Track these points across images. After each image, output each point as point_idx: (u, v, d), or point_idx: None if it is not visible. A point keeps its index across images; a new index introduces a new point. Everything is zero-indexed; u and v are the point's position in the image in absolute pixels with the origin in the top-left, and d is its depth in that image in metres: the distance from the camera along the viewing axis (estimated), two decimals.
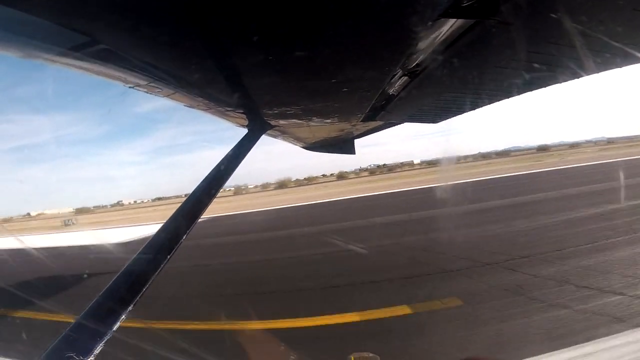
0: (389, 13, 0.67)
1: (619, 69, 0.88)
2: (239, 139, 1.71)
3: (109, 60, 0.74)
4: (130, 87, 0.89)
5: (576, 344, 3.04)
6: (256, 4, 0.58)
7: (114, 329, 0.75)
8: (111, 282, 0.96)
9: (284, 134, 2.48)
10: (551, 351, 3.01)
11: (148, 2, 0.55)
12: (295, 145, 3.05)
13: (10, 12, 0.51)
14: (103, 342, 0.71)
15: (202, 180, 1.50)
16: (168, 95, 1.03)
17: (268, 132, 2.02)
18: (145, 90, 0.93)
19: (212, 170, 1.56)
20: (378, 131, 2.80)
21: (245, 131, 1.74)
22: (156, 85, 0.92)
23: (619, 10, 0.65)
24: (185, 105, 1.21)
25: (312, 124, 1.97)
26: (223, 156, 1.58)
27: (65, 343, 0.70)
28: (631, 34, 0.72)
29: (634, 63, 0.84)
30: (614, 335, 3.11)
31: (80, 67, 0.76)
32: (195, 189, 1.45)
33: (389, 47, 0.86)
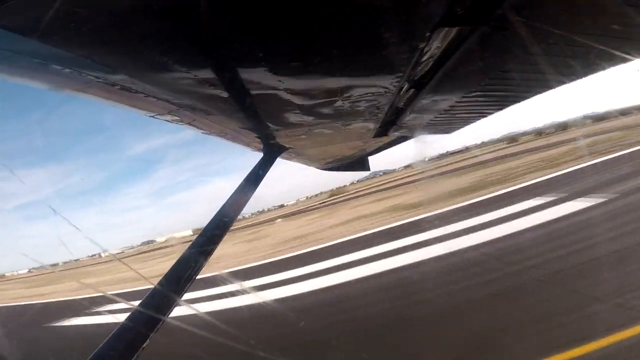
0: (388, 27, 0.71)
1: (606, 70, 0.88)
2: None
3: (128, 90, 0.80)
4: (151, 117, 0.96)
5: None
6: (266, 26, 0.63)
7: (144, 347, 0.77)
8: (130, 313, 1.00)
9: (299, 155, 2.54)
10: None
11: (161, 31, 0.60)
12: (310, 166, 3.10)
13: (28, 42, 0.56)
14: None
15: (221, 205, 1.55)
16: (189, 123, 1.10)
17: (283, 154, 2.08)
18: (166, 119, 1.00)
19: (233, 193, 1.61)
20: (391, 146, 2.81)
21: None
22: (176, 114, 0.99)
23: (602, 15, 0.66)
24: (203, 132, 1.28)
25: (326, 142, 2.01)
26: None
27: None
28: (615, 36, 0.72)
29: (620, 63, 0.84)
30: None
31: (100, 96, 0.83)
32: (216, 214, 1.49)
33: (393, 60, 0.89)
